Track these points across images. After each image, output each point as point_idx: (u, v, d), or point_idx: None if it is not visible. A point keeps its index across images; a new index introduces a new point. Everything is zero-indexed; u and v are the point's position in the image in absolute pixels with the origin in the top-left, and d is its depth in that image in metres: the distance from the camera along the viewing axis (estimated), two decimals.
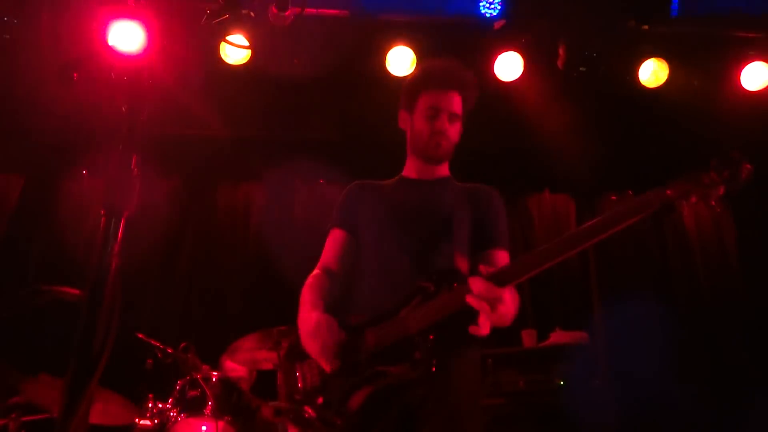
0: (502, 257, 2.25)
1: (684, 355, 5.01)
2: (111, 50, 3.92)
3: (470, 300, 1.81)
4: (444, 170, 2.46)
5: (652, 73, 4.79)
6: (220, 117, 5.02)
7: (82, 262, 4.53)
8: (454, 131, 2.38)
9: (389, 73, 4.72)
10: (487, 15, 4.51)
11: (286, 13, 1.81)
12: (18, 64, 4.43)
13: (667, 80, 4.76)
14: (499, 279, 1.83)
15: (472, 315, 1.88)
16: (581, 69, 4.71)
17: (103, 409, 3.38)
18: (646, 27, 4.69)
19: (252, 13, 2.36)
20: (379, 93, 4.79)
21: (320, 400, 2.06)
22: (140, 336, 3.59)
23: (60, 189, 5.12)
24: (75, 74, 1.11)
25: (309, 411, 2.09)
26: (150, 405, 3.39)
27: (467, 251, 2.23)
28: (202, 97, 4.60)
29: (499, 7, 4.48)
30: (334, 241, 2.37)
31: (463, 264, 2.19)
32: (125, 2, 4.12)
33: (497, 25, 4.59)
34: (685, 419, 4.73)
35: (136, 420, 3.39)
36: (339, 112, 5.14)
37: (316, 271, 2.29)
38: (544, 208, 5.68)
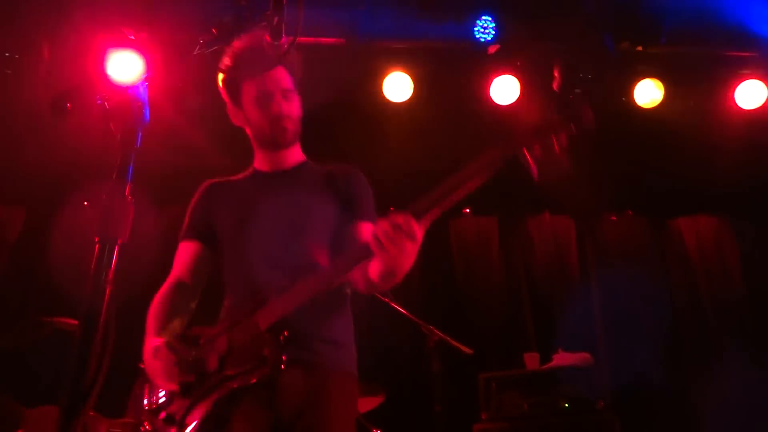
0: (367, 228, 2.08)
1: (689, 373, 4.97)
2: (106, 80, 3.97)
3: (380, 235, 1.67)
4: (297, 155, 2.28)
5: (648, 93, 4.83)
6: (219, 147, 5.06)
7: (82, 293, 4.53)
8: (293, 108, 2.17)
9: (386, 99, 4.76)
10: (482, 40, 4.56)
11: (281, 42, 1.83)
12: (19, 97, 4.48)
13: (662, 100, 4.80)
14: (415, 211, 1.73)
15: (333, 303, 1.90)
16: (576, 91, 4.75)
17: None
18: (640, 48, 4.74)
19: None
20: (376, 119, 4.84)
21: (162, 415, 1.95)
22: (142, 366, 3.56)
23: (61, 220, 5.14)
24: (69, 104, 1.14)
25: (146, 426, 1.98)
26: None
27: (327, 240, 2.10)
28: (200, 127, 4.64)
29: (493, 32, 4.53)
30: (184, 252, 2.20)
31: (322, 255, 2.06)
32: (123, 34, 4.19)
33: (491, 49, 4.64)
34: None
35: None
36: (337, 140, 5.18)
37: (164, 286, 2.13)
38: (544, 230, 5.68)
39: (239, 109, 2.20)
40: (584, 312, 5.23)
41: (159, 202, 5.12)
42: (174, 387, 1.88)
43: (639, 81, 4.80)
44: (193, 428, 1.88)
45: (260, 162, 2.27)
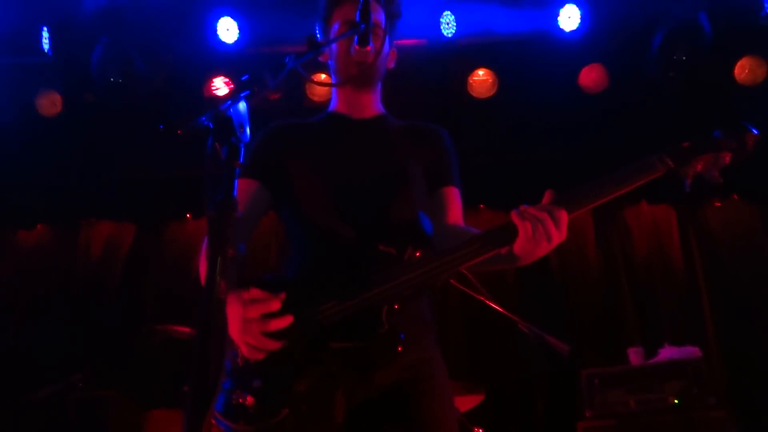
0: (455, 195, 2.01)
1: None
2: (209, 99, 4.18)
3: (532, 223, 1.56)
4: (377, 105, 2.14)
5: (749, 71, 4.59)
6: None
7: (191, 301, 4.77)
8: (376, 44, 1.94)
9: (472, 96, 4.74)
10: (566, 30, 4.48)
11: (368, 49, 1.87)
12: (125, 119, 4.77)
13: (766, 77, 4.55)
14: (568, 202, 1.62)
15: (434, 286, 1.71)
16: (670, 74, 4.57)
17: None
18: (738, 25, 4.51)
19: None
20: (463, 118, 4.83)
21: (258, 383, 1.65)
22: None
23: (168, 233, 5.44)
24: (179, 131, 1.21)
25: (239, 397, 1.65)
26: None
27: (422, 203, 1.95)
28: None
29: (578, 21, 4.43)
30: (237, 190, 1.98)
31: (418, 220, 1.88)
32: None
33: (578, 38, 4.55)
34: None
35: None
36: None
37: None
38: (643, 220, 5.47)
39: (326, 40, 2.09)
40: (691, 304, 5.01)
41: None
42: (271, 346, 1.60)
43: (739, 59, 4.57)
44: (299, 402, 1.63)
45: (338, 104, 2.13)
